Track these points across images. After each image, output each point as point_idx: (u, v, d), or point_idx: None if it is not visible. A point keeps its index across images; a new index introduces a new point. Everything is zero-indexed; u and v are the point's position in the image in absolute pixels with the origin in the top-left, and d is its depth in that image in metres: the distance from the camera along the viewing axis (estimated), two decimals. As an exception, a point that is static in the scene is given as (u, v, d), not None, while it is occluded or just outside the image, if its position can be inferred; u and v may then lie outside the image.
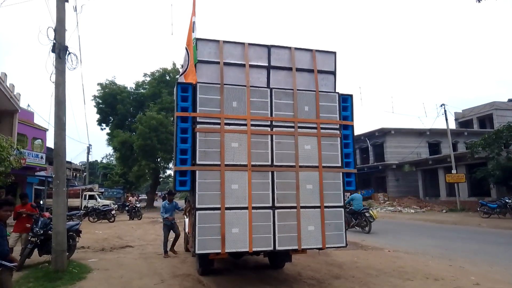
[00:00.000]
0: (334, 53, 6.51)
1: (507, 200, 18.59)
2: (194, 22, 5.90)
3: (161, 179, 42.85)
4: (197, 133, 5.43)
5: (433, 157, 30.82)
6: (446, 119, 27.22)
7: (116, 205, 27.40)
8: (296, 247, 5.57)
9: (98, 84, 35.39)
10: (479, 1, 15.32)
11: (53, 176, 7.54)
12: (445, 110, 27.12)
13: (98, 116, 35.99)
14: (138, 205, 24.34)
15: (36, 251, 7.76)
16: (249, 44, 6.08)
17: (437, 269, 7.24)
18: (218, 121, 5.56)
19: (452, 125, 37.83)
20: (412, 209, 26.47)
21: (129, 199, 27.44)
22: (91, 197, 27.98)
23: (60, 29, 7.41)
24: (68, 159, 38.30)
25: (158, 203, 41.83)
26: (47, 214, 8.87)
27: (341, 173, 5.98)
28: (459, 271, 7.02)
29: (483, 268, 7.28)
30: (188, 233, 7.28)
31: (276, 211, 5.55)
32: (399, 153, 34.48)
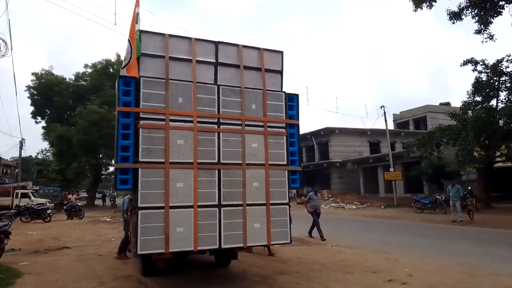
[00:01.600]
0: (282, 52, 6.59)
1: (437, 197, 20.18)
2: (138, 14, 5.65)
3: (103, 176, 40.83)
4: (140, 129, 5.21)
5: (373, 155, 32.63)
6: (385, 120, 28.96)
7: (53, 204, 25.68)
8: (241, 245, 5.57)
9: (32, 73, 32.56)
10: (415, 11, 16.43)
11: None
12: (384, 112, 28.84)
13: (32, 108, 33.30)
14: (79, 204, 23.02)
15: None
16: (196, 39, 5.96)
17: (375, 262, 7.65)
18: (163, 117, 5.38)
19: (391, 126, 40.35)
20: (354, 205, 27.78)
21: (68, 197, 25.80)
22: (24, 195, 25.91)
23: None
24: (-3, 154, 35.31)
25: (100, 201, 39.88)
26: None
27: (286, 171, 6.08)
28: (394, 263, 7.47)
29: (415, 260, 7.81)
30: (130, 233, 6.99)
31: (222, 209, 5.50)
32: (343, 152, 36.07)
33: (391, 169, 26.70)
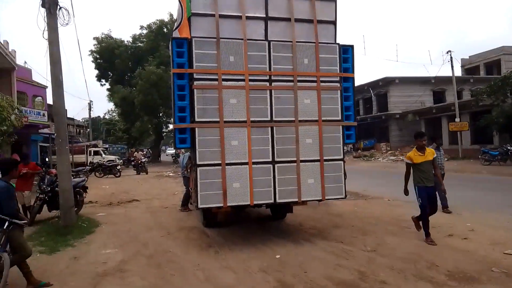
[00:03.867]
0: (335, 1, 6.21)
1: (509, 147, 18.66)
2: (186, -28, 5.59)
3: (164, 133, 43.15)
4: (195, 90, 5.36)
5: (436, 105, 30.54)
6: (452, 66, 26.62)
7: (121, 160, 27.81)
8: (296, 200, 5.72)
9: (94, 38, 34.44)
10: None
11: (55, 135, 7.60)
12: (451, 57, 26.44)
13: (96, 71, 35.49)
14: (144, 160, 24.70)
15: (45, 207, 8.02)
16: (245, -7, 5.79)
17: (435, 216, 7.34)
18: (216, 77, 5.46)
19: (458, 72, 37.08)
20: (414, 158, 26.68)
21: (134, 154, 27.78)
22: (96, 153, 28.37)
23: (48, -18, 7.08)
24: (70, 115, 38.43)
25: (163, 157, 42.49)
26: (53, 171, 9.07)
27: (340, 127, 5.97)
28: (456, 218, 7.22)
29: (479, 215, 7.47)
30: (191, 188, 7.44)
31: (276, 165, 5.62)
32: (403, 103, 34.15)
33: (457, 119, 24.94)
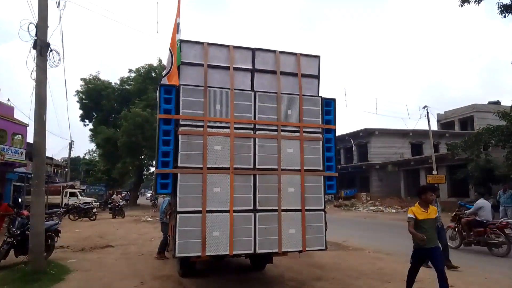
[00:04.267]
0: (318, 57, 6.56)
1: (485, 201, 19.05)
2: (178, 24, 5.86)
3: (145, 176, 42.48)
4: (180, 136, 5.40)
5: (415, 157, 31.42)
6: (428, 120, 27.79)
7: (98, 203, 26.98)
8: (276, 250, 5.61)
9: (81, 79, 34.77)
10: (462, 6, 15.66)
11: (32, 175, 7.40)
12: (427, 112, 27.68)
13: (81, 111, 35.40)
14: (122, 203, 24.07)
15: (12, 252, 7.59)
16: (234, 46, 6.07)
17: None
18: (202, 124, 5.54)
19: (435, 127, 38.64)
20: (393, 209, 26.92)
21: (112, 197, 27.05)
22: (73, 194, 27.49)
23: (42, 26, 7.25)
24: (49, 155, 37.71)
25: (141, 200, 41.47)
26: (25, 212, 8.69)
27: (322, 177, 6.04)
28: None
29: (460, 270, 7.45)
30: (169, 235, 7.25)
31: (258, 214, 5.57)
32: (383, 154, 35.02)
33: (434, 172, 25.59)
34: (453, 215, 10.77)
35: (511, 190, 14.82)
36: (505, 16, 15.58)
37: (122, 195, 33.63)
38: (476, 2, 15.23)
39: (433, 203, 5.67)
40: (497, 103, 40.96)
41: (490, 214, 9.85)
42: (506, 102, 42.61)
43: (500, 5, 15.35)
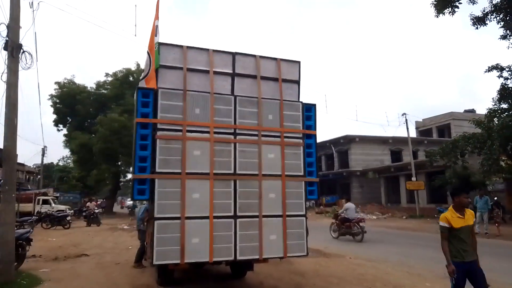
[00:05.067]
0: (299, 62, 6.55)
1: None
2: (157, 26, 5.74)
3: (122, 183, 41.51)
4: (158, 140, 5.26)
5: (395, 164, 31.95)
6: (407, 128, 28.38)
7: (73, 211, 26.21)
8: (257, 257, 5.52)
9: (55, 83, 33.21)
10: (437, 16, 16.13)
11: (2, 182, 7.09)
12: (406, 120, 28.27)
13: (55, 116, 34.03)
14: (97, 211, 23.45)
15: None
16: (214, 50, 5.99)
17: (396, 276, 7.41)
18: (180, 128, 5.42)
19: (413, 134, 39.46)
20: (374, 215, 27.22)
21: (87, 204, 26.29)
22: (45, 202, 26.52)
23: (14, 26, 7.00)
24: (21, 161, 36.37)
25: (118, 209, 40.57)
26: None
27: (303, 182, 6.00)
28: (417, 279, 7.22)
29: (439, 275, 7.51)
30: (146, 243, 7.05)
31: (238, 220, 5.47)
32: (364, 160, 35.48)
33: (414, 179, 26.07)
34: (334, 214, 14.74)
35: (487, 196, 15.20)
36: (477, 28, 16.16)
37: (98, 202, 32.80)
38: (451, 14, 15.72)
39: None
40: (473, 111, 42.32)
41: (354, 213, 13.59)
42: (480, 110, 44.07)
43: (473, 17, 15.90)
